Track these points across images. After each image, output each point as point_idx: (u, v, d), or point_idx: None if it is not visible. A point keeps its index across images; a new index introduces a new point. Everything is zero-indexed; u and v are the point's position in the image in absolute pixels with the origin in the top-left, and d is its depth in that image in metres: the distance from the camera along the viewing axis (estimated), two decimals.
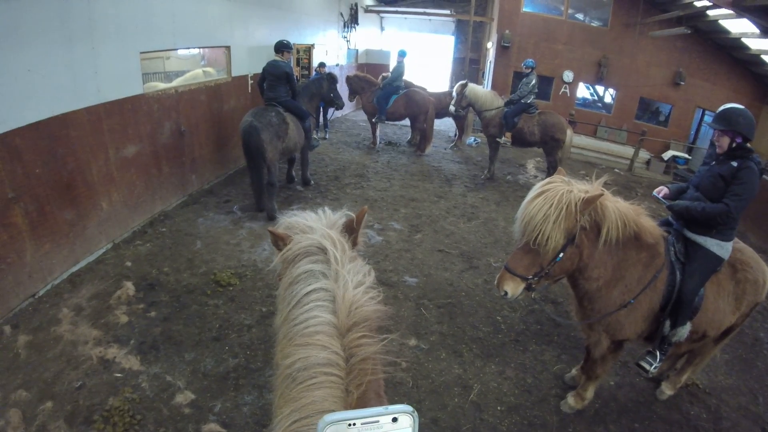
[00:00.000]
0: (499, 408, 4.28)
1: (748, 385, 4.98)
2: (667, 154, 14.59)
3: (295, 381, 1.46)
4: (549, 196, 3.16)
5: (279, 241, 1.90)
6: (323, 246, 1.75)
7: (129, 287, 5.33)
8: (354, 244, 1.97)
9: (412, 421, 1.04)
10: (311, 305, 1.58)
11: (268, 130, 7.18)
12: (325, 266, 1.68)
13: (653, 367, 3.92)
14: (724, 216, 3.45)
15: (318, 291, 1.61)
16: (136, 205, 6.67)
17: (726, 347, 5.23)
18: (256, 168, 7.32)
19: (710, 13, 12.18)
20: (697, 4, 11.99)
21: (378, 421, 1.03)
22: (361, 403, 1.47)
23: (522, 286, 3.33)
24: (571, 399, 4.30)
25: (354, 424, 1.02)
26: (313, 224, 1.91)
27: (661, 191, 4.03)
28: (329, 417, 1.02)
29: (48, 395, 3.90)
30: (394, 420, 1.03)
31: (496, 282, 3.43)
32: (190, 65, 9.15)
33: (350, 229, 2.00)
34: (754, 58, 13.35)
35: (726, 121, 3.46)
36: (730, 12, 10.64)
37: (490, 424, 4.10)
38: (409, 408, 1.04)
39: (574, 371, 4.67)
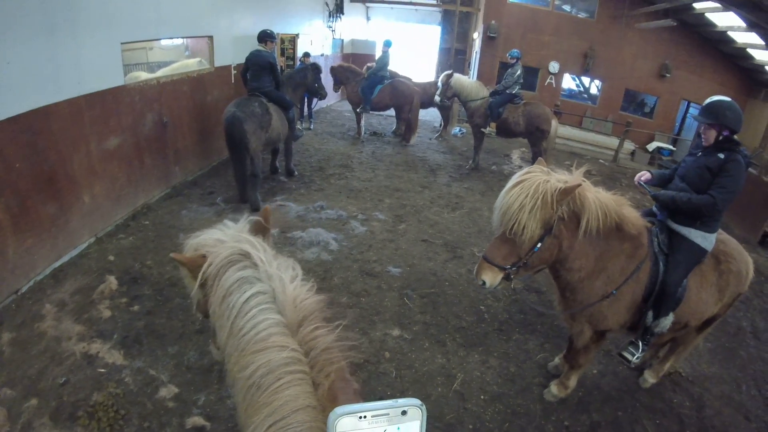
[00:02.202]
0: (482, 397, 4.32)
1: (731, 374, 5.06)
2: (652, 146, 14.76)
3: (261, 388, 1.46)
4: (526, 186, 3.15)
5: (189, 266, 1.79)
6: (245, 251, 1.71)
7: (112, 281, 5.30)
8: None
9: (420, 414, 1.06)
10: (254, 311, 1.57)
11: (251, 121, 7.14)
12: (254, 270, 1.66)
13: (636, 357, 3.94)
14: (710, 208, 3.45)
15: (256, 295, 1.60)
16: (119, 197, 6.62)
17: (709, 336, 5.30)
18: (240, 159, 7.29)
19: (697, 5, 12.27)
20: None
21: (388, 414, 1.04)
22: (333, 392, 1.49)
23: (500, 275, 3.32)
24: (554, 387, 4.33)
25: (365, 417, 1.03)
26: (222, 236, 1.84)
27: (643, 175, 4.03)
28: (340, 409, 1.02)
29: (33, 392, 3.88)
30: (404, 413, 1.05)
31: (474, 271, 3.44)
32: (174, 56, 9.08)
33: (261, 230, 1.97)
34: (740, 52, 13.47)
35: (713, 115, 3.45)
36: (717, 5, 10.71)
37: (473, 413, 4.13)
38: (418, 401, 1.05)
39: (557, 360, 4.71)
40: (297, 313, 1.58)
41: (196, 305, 1.89)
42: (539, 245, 3.24)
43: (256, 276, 1.64)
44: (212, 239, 1.83)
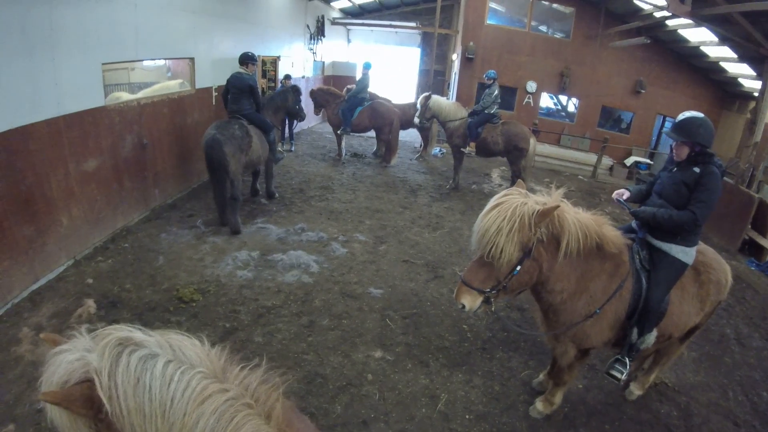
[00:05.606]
0: (467, 417, 4.30)
1: (717, 381, 5.12)
2: (629, 160, 15.07)
3: None
4: (503, 209, 3.14)
5: (73, 401, 1.40)
6: (121, 338, 1.50)
7: (90, 305, 5.20)
8: None
9: None
10: (176, 375, 1.43)
11: (230, 143, 7.13)
12: (145, 348, 1.47)
13: (624, 375, 3.93)
14: (691, 223, 3.47)
15: (167, 365, 1.44)
16: (98, 220, 6.53)
17: (693, 345, 5.36)
18: (219, 181, 7.26)
19: (669, 23, 12.58)
20: (657, 14, 12.39)
21: None
22: (285, 416, 1.51)
23: (479, 299, 3.30)
24: (539, 404, 4.31)
25: None
26: (81, 353, 1.51)
27: (623, 194, 4.04)
28: None
29: (10, 418, 3.79)
30: None
31: (454, 294, 3.43)
32: (155, 77, 9.05)
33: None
34: (713, 66, 13.87)
35: (686, 132, 3.47)
36: (689, 21, 10.98)
37: None
38: None
39: (541, 376, 4.71)
40: (216, 361, 1.53)
41: None
42: (518, 268, 3.23)
43: (152, 351, 1.47)
44: (74, 362, 1.48)
